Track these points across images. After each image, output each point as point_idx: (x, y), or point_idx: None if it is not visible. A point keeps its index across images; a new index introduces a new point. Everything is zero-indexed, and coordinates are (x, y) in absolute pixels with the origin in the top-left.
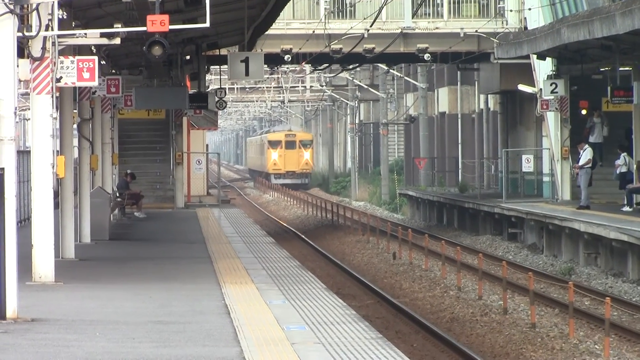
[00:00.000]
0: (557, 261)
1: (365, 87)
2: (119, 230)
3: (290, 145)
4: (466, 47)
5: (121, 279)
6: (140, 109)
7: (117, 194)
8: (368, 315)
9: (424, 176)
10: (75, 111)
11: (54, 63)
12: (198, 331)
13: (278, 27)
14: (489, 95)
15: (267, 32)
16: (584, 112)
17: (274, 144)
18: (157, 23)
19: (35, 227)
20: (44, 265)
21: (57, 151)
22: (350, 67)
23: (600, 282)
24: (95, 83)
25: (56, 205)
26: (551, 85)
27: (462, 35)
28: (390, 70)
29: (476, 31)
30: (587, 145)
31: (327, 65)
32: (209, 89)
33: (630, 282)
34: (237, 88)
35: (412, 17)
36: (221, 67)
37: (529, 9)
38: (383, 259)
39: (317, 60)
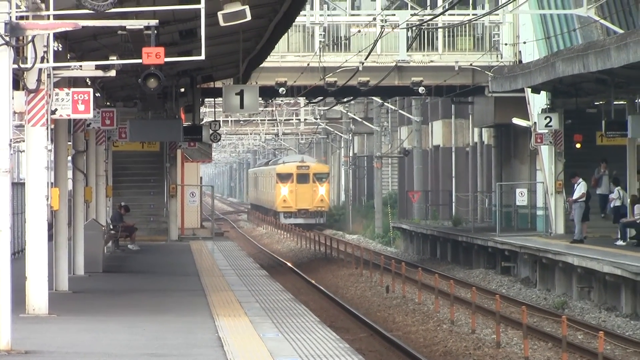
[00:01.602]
0: (550, 295)
1: (360, 120)
2: (112, 262)
3: (302, 178)
4: (461, 81)
5: (115, 311)
6: (134, 141)
7: (111, 227)
8: (361, 348)
9: (418, 209)
10: (69, 143)
11: (49, 95)
12: None
13: (273, 59)
14: (483, 129)
15: (262, 65)
16: (578, 145)
17: (283, 178)
18: (153, 55)
19: (29, 259)
20: (37, 298)
21: (52, 183)
22: (345, 100)
23: (593, 316)
24: (90, 115)
25: (50, 237)
26: (545, 118)
27: (456, 68)
28: (385, 104)
29: (471, 64)
30: (580, 179)
31: (321, 98)
32: (203, 122)
33: (623, 317)
34: (231, 121)
35: (407, 51)
36: (216, 99)
37: (524, 43)
38: (376, 292)
39: (311, 93)
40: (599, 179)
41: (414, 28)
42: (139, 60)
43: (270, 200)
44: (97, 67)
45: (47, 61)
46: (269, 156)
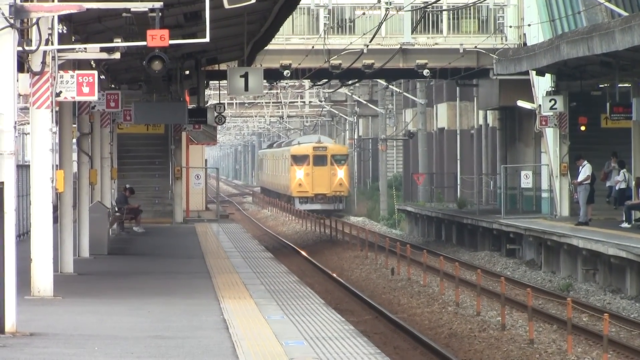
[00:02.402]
0: (555, 277)
1: (364, 102)
2: (117, 244)
3: (319, 160)
4: (465, 63)
5: (120, 293)
6: (139, 123)
7: (116, 209)
8: (366, 330)
9: (423, 192)
10: (74, 125)
11: (54, 77)
12: (196, 346)
13: (277, 42)
14: (487, 111)
15: (266, 48)
16: (582, 128)
17: (299, 160)
18: (157, 38)
19: (34, 241)
20: (42, 280)
21: (57, 165)
22: (350, 82)
23: (598, 298)
24: (95, 97)
25: (55, 220)
26: (550, 101)
27: (461, 51)
28: (389, 86)
29: (475, 47)
30: (585, 162)
31: (326, 80)
32: (208, 104)
33: (628, 299)
34: (236, 103)
35: (412, 33)
36: (220, 82)
37: (529, 25)
38: (381, 275)
39: (316, 75)
40: (609, 173)
41: (418, 10)
42: (144, 43)
43: (283, 184)
44: (102, 50)
45: (52, 43)
46: (274, 138)
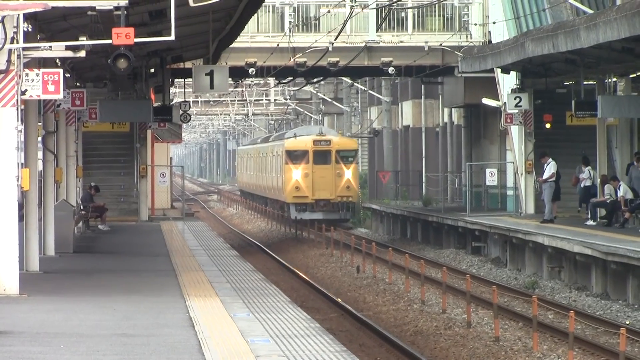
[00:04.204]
0: (520, 275)
1: (330, 100)
2: (83, 243)
3: (322, 158)
4: (430, 61)
5: (85, 291)
6: (104, 121)
7: (81, 207)
8: (332, 328)
9: (388, 190)
10: (39, 124)
11: (19, 76)
12: (162, 344)
13: (243, 40)
14: (453, 109)
15: (231, 46)
16: (548, 125)
17: (295, 157)
18: (123, 36)
19: None
20: (8, 278)
21: (22, 164)
22: (315, 80)
23: (564, 295)
24: (60, 96)
25: (20, 218)
26: (515, 99)
27: (426, 48)
28: (355, 84)
29: (440, 45)
30: (550, 159)
31: (291, 78)
32: (173, 102)
33: (594, 296)
34: (201, 101)
35: (377, 31)
36: (185, 80)
37: (494, 23)
38: (347, 273)
39: (281, 73)
40: (586, 180)
41: (383, 8)
42: (109, 41)
43: (275, 187)
44: (67, 48)
45: (17, 42)
46: (239, 137)
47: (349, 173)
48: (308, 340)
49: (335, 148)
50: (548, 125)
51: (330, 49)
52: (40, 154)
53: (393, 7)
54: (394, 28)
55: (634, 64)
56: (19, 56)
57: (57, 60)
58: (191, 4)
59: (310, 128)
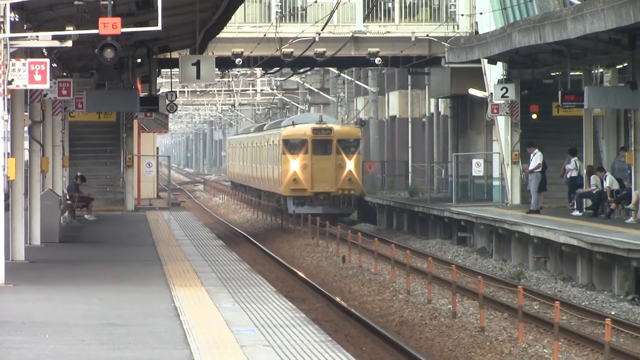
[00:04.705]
0: (506, 265)
1: (316, 90)
2: (69, 232)
3: (321, 147)
4: (417, 52)
5: (71, 281)
6: (91, 111)
7: (67, 197)
8: (317, 318)
9: (374, 180)
10: (26, 114)
11: (6, 65)
12: (148, 334)
13: (229, 30)
14: (439, 100)
15: (218, 36)
16: (534, 116)
17: (293, 146)
18: (109, 26)
19: None
20: None
21: (8, 153)
22: (301, 70)
23: (549, 286)
24: (47, 85)
25: (6, 208)
26: (502, 89)
27: (413, 39)
28: (341, 74)
29: (427, 35)
30: (537, 150)
31: (278, 68)
32: (159, 92)
33: (579, 287)
34: (187, 91)
35: (364, 21)
36: (172, 70)
37: (481, 14)
38: (332, 263)
39: (268, 63)
40: (572, 171)
41: None
42: (96, 31)
43: (270, 179)
44: (54, 38)
45: (4, 32)
46: (225, 127)
47: (350, 164)
48: (293, 330)
49: (336, 137)
50: (534, 116)
51: (317, 39)
52: (26, 144)
53: None
54: (380, 18)
55: (621, 54)
56: (5, 46)
57: (44, 50)
58: None
59: (309, 116)
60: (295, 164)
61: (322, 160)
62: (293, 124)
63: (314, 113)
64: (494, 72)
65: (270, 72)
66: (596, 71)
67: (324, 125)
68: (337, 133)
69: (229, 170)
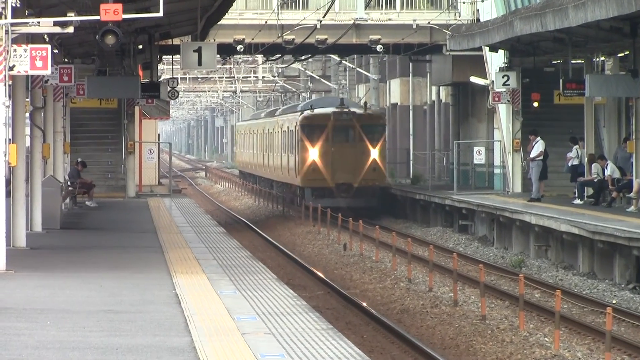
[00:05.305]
0: (507, 253)
1: (317, 78)
2: (70, 219)
3: (343, 134)
4: (418, 39)
5: (72, 267)
6: (92, 98)
7: (69, 183)
8: (318, 306)
9: None
10: (27, 100)
11: (7, 51)
12: (149, 320)
13: (231, 17)
14: (440, 87)
15: (219, 22)
16: (535, 104)
17: (312, 132)
18: (111, 12)
19: None
20: None
21: (9, 139)
22: (303, 58)
23: (550, 274)
24: (48, 72)
25: (7, 194)
26: (503, 77)
27: (414, 27)
28: (342, 62)
29: (429, 23)
30: (539, 138)
31: (279, 55)
32: (161, 79)
33: (580, 275)
34: (189, 78)
35: (365, 9)
36: (173, 56)
37: (482, 1)
38: (334, 250)
39: (269, 50)
40: (573, 159)
41: None
42: (97, 17)
43: (285, 168)
44: (55, 24)
45: (5, 17)
46: (226, 114)
47: (375, 152)
48: (294, 317)
49: (359, 123)
50: (536, 104)
51: (318, 26)
52: (27, 130)
53: None
54: (382, 6)
55: (622, 43)
56: (7, 32)
57: (45, 36)
58: None
59: (328, 99)
60: (314, 152)
61: (343, 148)
62: (311, 108)
63: (333, 96)
64: (495, 60)
65: (271, 59)
66: (597, 59)
67: (345, 109)
68: (360, 118)
69: (237, 159)
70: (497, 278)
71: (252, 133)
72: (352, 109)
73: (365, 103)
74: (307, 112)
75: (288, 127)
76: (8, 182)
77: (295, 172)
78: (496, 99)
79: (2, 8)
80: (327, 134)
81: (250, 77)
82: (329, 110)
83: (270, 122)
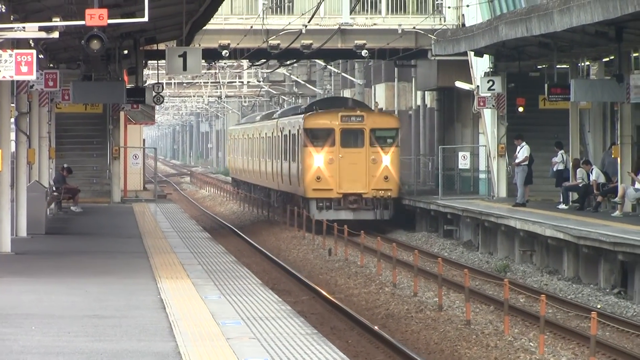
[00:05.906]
0: (492, 258)
1: (303, 83)
2: (55, 224)
3: (352, 138)
4: (404, 44)
5: (57, 273)
6: (77, 103)
7: (54, 188)
8: (303, 311)
9: None
10: (12, 105)
11: None
12: (134, 326)
13: (216, 22)
14: (426, 92)
15: (205, 27)
16: (520, 109)
17: (317, 137)
18: (96, 17)
19: None
20: None
21: None
22: (288, 62)
23: (535, 279)
24: (33, 77)
25: None
26: (488, 82)
27: (400, 31)
28: (328, 67)
29: (414, 28)
30: (524, 143)
31: (264, 60)
32: (146, 84)
33: (565, 280)
34: (174, 83)
35: (350, 13)
36: (159, 61)
37: (467, 6)
38: (319, 255)
39: (254, 55)
40: (558, 164)
41: None
42: (82, 22)
43: (285, 176)
44: (41, 29)
45: None
46: (211, 119)
47: (387, 159)
48: (279, 322)
49: (369, 126)
50: (521, 109)
51: (303, 31)
52: (13, 135)
53: None
54: (367, 11)
55: (607, 47)
56: None
57: (31, 41)
58: None
59: (334, 100)
60: (319, 159)
61: (352, 154)
62: (315, 109)
63: (339, 97)
64: (480, 65)
65: (256, 64)
66: (583, 64)
67: (354, 112)
68: (370, 121)
69: (230, 166)
70: (482, 283)
71: (248, 137)
72: (362, 111)
73: (376, 104)
74: (312, 114)
75: (289, 130)
76: None
77: (297, 181)
78: (481, 103)
79: None
80: (334, 138)
81: (235, 82)
82: (337, 112)
83: (268, 126)
